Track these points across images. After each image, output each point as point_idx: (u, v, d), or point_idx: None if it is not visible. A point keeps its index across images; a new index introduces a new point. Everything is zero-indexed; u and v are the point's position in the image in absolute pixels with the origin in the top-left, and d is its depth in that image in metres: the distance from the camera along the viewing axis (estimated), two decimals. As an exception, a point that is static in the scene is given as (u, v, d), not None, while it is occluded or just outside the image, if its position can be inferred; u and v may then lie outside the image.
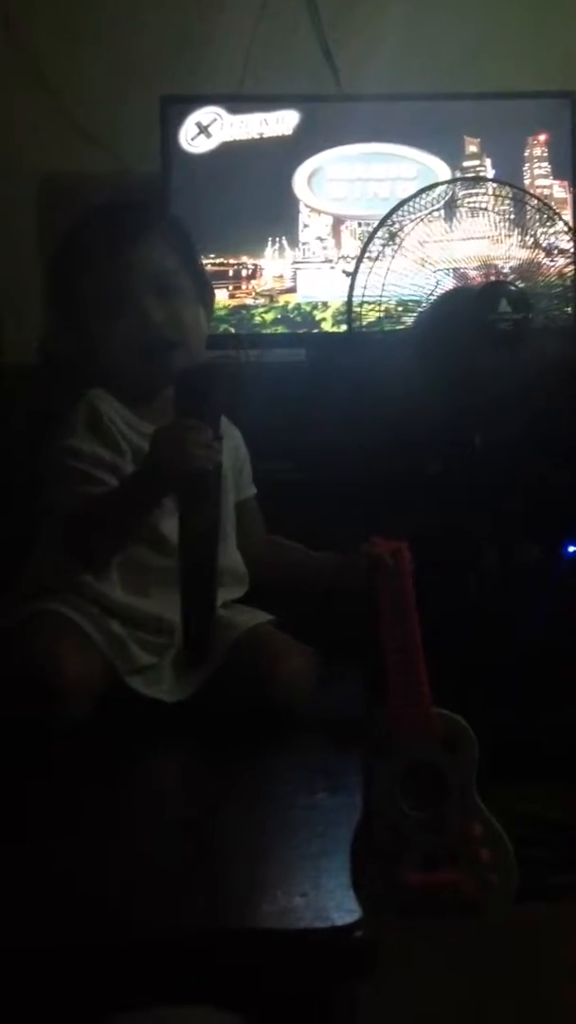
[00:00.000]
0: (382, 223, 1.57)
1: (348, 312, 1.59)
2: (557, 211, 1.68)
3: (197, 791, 1.03)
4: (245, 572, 1.32)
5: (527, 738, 1.61)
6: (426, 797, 1.19)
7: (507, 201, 1.63)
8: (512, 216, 1.62)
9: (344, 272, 1.83)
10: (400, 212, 1.60)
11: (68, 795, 0.99)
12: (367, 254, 1.59)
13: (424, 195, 1.59)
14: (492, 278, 1.62)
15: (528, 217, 1.63)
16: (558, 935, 1.29)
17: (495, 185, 1.68)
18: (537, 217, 1.63)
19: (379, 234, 1.59)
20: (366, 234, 1.62)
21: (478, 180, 1.77)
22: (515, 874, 1.21)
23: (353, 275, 1.59)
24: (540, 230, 1.61)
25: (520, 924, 1.29)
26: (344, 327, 1.61)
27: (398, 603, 1.21)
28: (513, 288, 1.49)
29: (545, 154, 1.92)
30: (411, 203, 1.59)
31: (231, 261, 1.91)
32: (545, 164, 1.92)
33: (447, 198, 1.62)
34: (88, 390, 1.24)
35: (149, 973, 0.73)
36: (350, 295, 1.58)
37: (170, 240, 1.30)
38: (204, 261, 1.89)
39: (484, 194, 1.66)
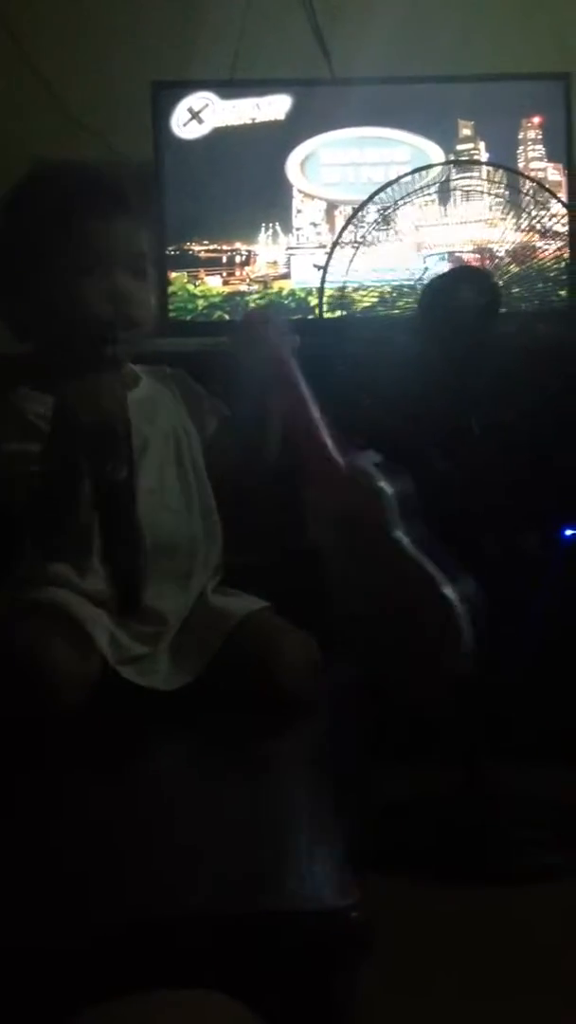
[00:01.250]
0: (364, 204, 1.55)
1: (320, 297, 1.58)
2: (552, 192, 1.67)
3: (194, 778, 1.03)
4: (223, 561, 1.31)
5: (525, 718, 1.62)
6: None
7: (501, 185, 1.62)
8: (507, 199, 1.61)
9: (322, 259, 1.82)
10: (394, 195, 1.59)
11: (65, 783, 0.99)
12: (361, 238, 1.58)
13: (417, 178, 1.58)
14: (487, 262, 1.61)
15: (523, 200, 1.62)
16: (559, 915, 1.29)
17: (489, 169, 1.67)
18: (532, 200, 1.62)
19: (373, 218, 1.58)
20: (362, 219, 1.61)
21: (471, 163, 1.76)
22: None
23: (328, 260, 1.57)
24: (535, 213, 1.60)
25: (518, 904, 1.29)
26: (339, 312, 1.60)
27: (277, 371, 1.27)
28: (478, 273, 1.48)
29: (540, 137, 1.91)
30: (404, 186, 1.58)
31: (224, 247, 1.90)
32: (540, 147, 1.91)
33: (441, 181, 1.61)
34: (12, 391, 1.23)
35: (147, 956, 0.73)
36: (323, 280, 1.58)
37: (146, 227, 1.28)
38: (198, 248, 1.90)
39: (478, 177, 1.66)
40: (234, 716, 1.12)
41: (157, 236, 1.32)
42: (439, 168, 1.71)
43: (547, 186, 1.68)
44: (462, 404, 1.53)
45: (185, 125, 1.89)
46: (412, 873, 1.35)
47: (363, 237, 1.57)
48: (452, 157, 1.88)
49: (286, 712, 1.13)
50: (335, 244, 1.57)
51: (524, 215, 1.62)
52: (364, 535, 1.26)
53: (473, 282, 1.46)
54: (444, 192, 1.71)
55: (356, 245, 1.54)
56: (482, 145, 1.91)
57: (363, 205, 1.56)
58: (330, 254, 1.57)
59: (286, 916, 0.73)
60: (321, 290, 1.59)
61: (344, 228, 1.58)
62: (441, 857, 1.39)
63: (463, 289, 1.45)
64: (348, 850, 0.82)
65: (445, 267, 1.61)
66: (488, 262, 1.65)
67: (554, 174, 1.92)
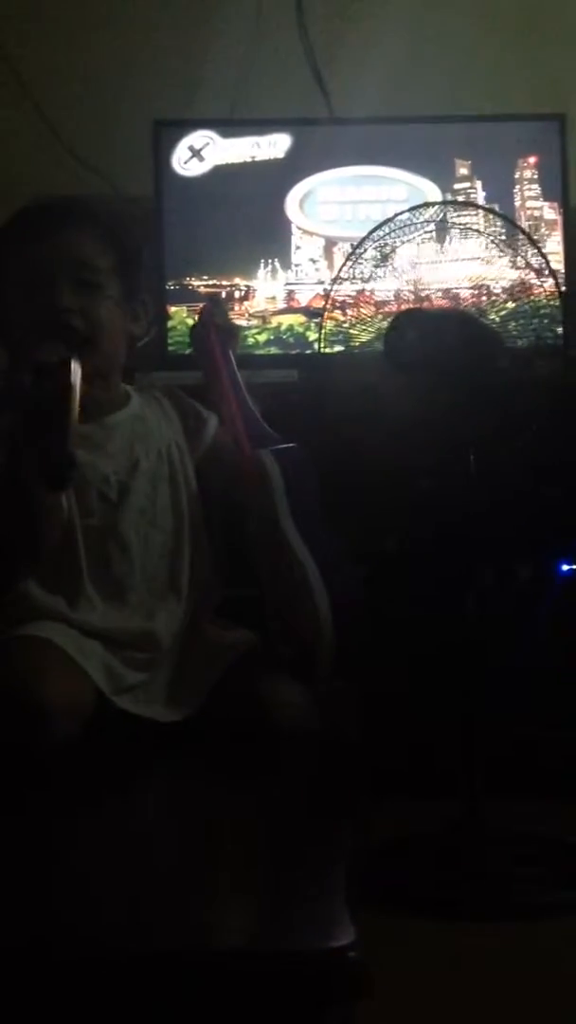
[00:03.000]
0: (362, 242, 1.58)
1: (320, 330, 1.60)
2: (546, 233, 1.69)
3: (190, 812, 1.03)
4: (216, 583, 1.32)
5: (525, 754, 1.62)
6: None
7: (497, 222, 1.65)
8: (503, 238, 1.63)
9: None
10: (392, 233, 1.61)
11: (60, 816, 0.99)
12: (359, 276, 1.60)
13: (414, 216, 1.60)
14: (483, 299, 1.63)
15: (519, 238, 1.64)
16: (553, 952, 1.28)
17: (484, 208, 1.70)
18: (527, 239, 1.64)
19: (371, 255, 1.60)
20: (360, 256, 1.63)
21: (466, 205, 1.78)
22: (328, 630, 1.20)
23: (328, 293, 1.59)
24: (530, 251, 1.62)
25: (516, 942, 1.28)
26: (338, 348, 1.62)
27: (207, 363, 1.35)
28: (418, 316, 1.50)
29: (535, 176, 1.94)
30: (401, 224, 1.60)
31: (224, 283, 1.92)
32: (535, 186, 1.94)
33: (438, 219, 1.63)
34: None
35: (140, 993, 0.73)
36: (323, 313, 1.59)
37: (105, 240, 1.28)
38: (197, 283, 1.92)
39: (474, 215, 1.68)
40: (229, 750, 1.12)
41: (118, 245, 1.31)
42: (436, 206, 1.73)
43: (542, 225, 1.71)
44: (458, 438, 1.54)
45: (186, 163, 1.91)
46: (409, 910, 1.35)
47: (361, 274, 1.59)
48: (449, 195, 1.91)
49: (281, 747, 1.13)
50: (335, 280, 1.59)
51: (519, 254, 1.64)
52: (254, 523, 1.28)
53: (418, 324, 1.48)
54: (441, 230, 1.73)
55: (365, 280, 1.56)
56: (479, 184, 1.93)
57: (361, 242, 1.58)
58: (330, 290, 1.59)
59: (281, 955, 0.73)
60: (321, 326, 1.60)
61: (344, 265, 1.60)
62: (438, 894, 1.38)
63: (409, 331, 1.47)
64: (345, 887, 0.82)
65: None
66: (484, 299, 1.67)
67: (550, 213, 1.94)
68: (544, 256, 1.57)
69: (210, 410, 1.36)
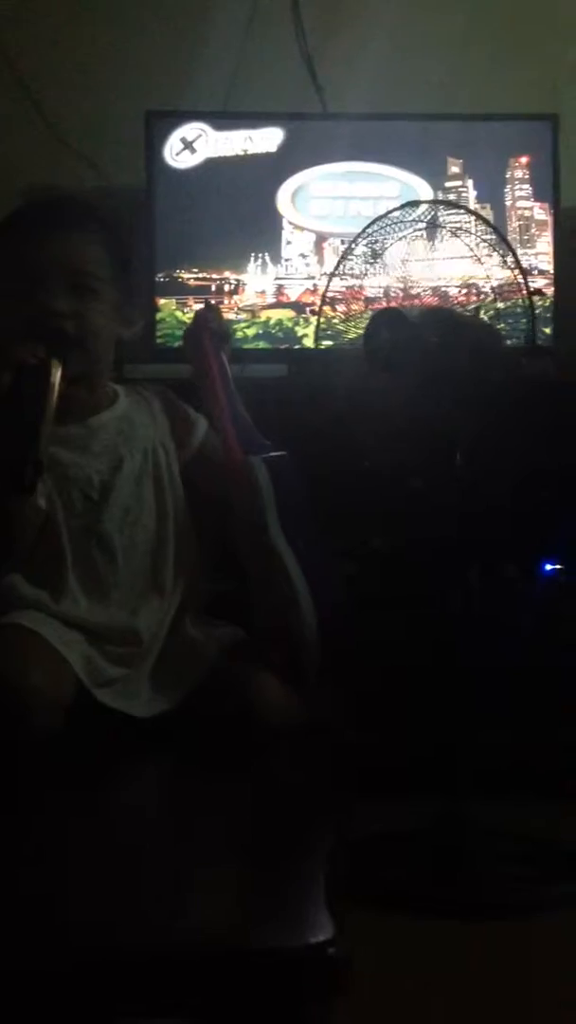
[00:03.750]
0: (356, 239, 1.58)
1: (317, 327, 1.60)
2: (536, 233, 1.70)
3: (170, 808, 1.03)
4: (202, 581, 1.31)
5: (514, 756, 1.62)
6: None
7: (486, 226, 1.65)
8: (492, 237, 1.64)
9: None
10: (382, 231, 1.61)
11: (39, 812, 0.99)
12: (349, 272, 1.60)
13: (404, 214, 1.60)
14: (473, 298, 1.63)
15: (509, 238, 1.64)
16: (539, 953, 1.29)
17: (476, 207, 1.70)
18: (517, 238, 1.64)
19: (362, 252, 1.60)
20: (351, 252, 1.63)
21: (457, 205, 1.78)
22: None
23: (324, 290, 1.59)
24: (520, 251, 1.62)
25: (505, 943, 1.29)
26: (327, 343, 1.62)
27: (200, 367, 1.35)
28: (392, 313, 1.50)
29: (527, 176, 1.94)
30: (393, 221, 1.60)
31: (213, 276, 1.92)
32: (526, 186, 1.94)
33: (429, 217, 1.63)
34: None
35: (120, 991, 0.73)
36: (320, 309, 1.59)
37: (104, 245, 1.28)
38: (187, 275, 1.92)
39: (464, 213, 1.68)
40: (211, 746, 1.12)
41: (116, 250, 1.31)
42: (425, 205, 1.73)
43: (533, 225, 1.71)
44: (444, 436, 1.54)
45: (178, 155, 1.91)
46: (390, 908, 1.35)
47: (352, 270, 1.59)
48: (440, 193, 1.91)
49: (263, 743, 1.13)
50: (332, 276, 1.59)
51: (509, 254, 1.64)
52: (242, 529, 1.28)
53: (391, 323, 1.48)
54: (432, 228, 1.73)
55: (356, 276, 1.56)
56: (470, 183, 1.94)
57: (355, 239, 1.58)
58: (327, 286, 1.59)
59: (262, 951, 0.73)
60: (319, 322, 1.60)
61: (340, 262, 1.60)
62: (420, 892, 1.39)
63: (382, 330, 1.47)
64: (325, 884, 0.82)
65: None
66: (474, 297, 1.67)
67: (540, 213, 1.95)
68: (518, 260, 1.57)
69: (200, 412, 1.36)
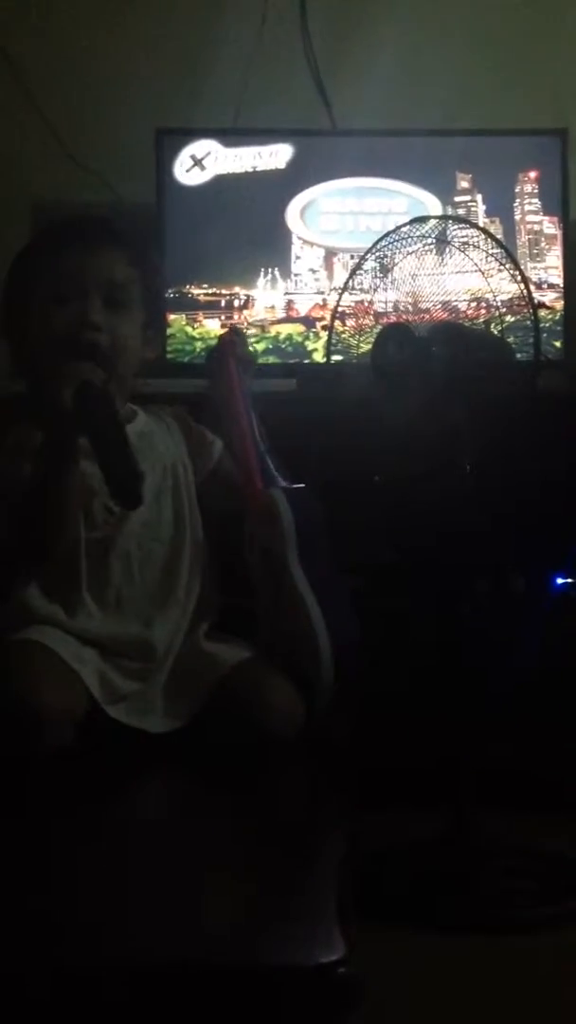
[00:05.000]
0: (366, 254, 1.58)
1: (328, 343, 1.60)
2: (546, 247, 1.70)
3: (179, 824, 1.03)
4: (215, 598, 1.32)
5: (517, 767, 1.61)
6: None
7: (493, 242, 1.65)
8: (499, 251, 1.64)
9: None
10: (391, 246, 1.61)
11: (49, 825, 0.99)
12: (359, 287, 1.61)
13: (413, 229, 1.61)
14: (483, 312, 1.63)
15: (518, 253, 1.65)
16: (544, 967, 1.28)
17: (485, 221, 1.70)
18: (527, 252, 1.65)
19: (371, 267, 1.61)
20: (361, 267, 1.63)
21: (466, 221, 1.79)
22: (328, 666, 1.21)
23: (336, 305, 1.60)
24: (529, 265, 1.62)
25: (507, 956, 1.28)
26: (337, 358, 1.62)
27: (225, 398, 1.34)
28: (399, 329, 1.50)
29: (536, 190, 1.95)
30: (402, 237, 1.61)
31: (223, 291, 1.92)
32: (536, 200, 1.95)
33: (437, 232, 1.63)
34: (7, 428, 1.25)
35: (128, 1007, 0.72)
36: (331, 324, 1.60)
37: (137, 267, 1.30)
38: (197, 291, 1.92)
39: (474, 227, 1.68)
40: (221, 762, 1.12)
41: (149, 273, 1.33)
42: (434, 220, 1.73)
43: (542, 239, 1.72)
44: (453, 450, 1.54)
45: (188, 171, 1.92)
46: (399, 923, 1.34)
47: (362, 285, 1.60)
48: (450, 208, 1.92)
49: (273, 760, 1.13)
50: (343, 291, 1.59)
51: (518, 269, 1.64)
52: (260, 558, 1.29)
53: (398, 338, 1.48)
54: (441, 243, 1.74)
55: (365, 291, 1.57)
56: (479, 197, 1.94)
57: (366, 254, 1.59)
58: (338, 301, 1.59)
59: (272, 970, 0.73)
60: (330, 337, 1.60)
61: (351, 276, 1.60)
62: (427, 907, 1.38)
63: (390, 345, 1.47)
64: (336, 900, 0.82)
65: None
66: (484, 311, 1.67)
67: (549, 227, 1.95)
68: (525, 277, 1.57)
69: (216, 435, 1.36)
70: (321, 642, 1.21)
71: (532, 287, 1.68)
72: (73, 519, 1.21)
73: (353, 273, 1.59)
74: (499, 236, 1.67)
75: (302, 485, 1.32)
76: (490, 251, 1.55)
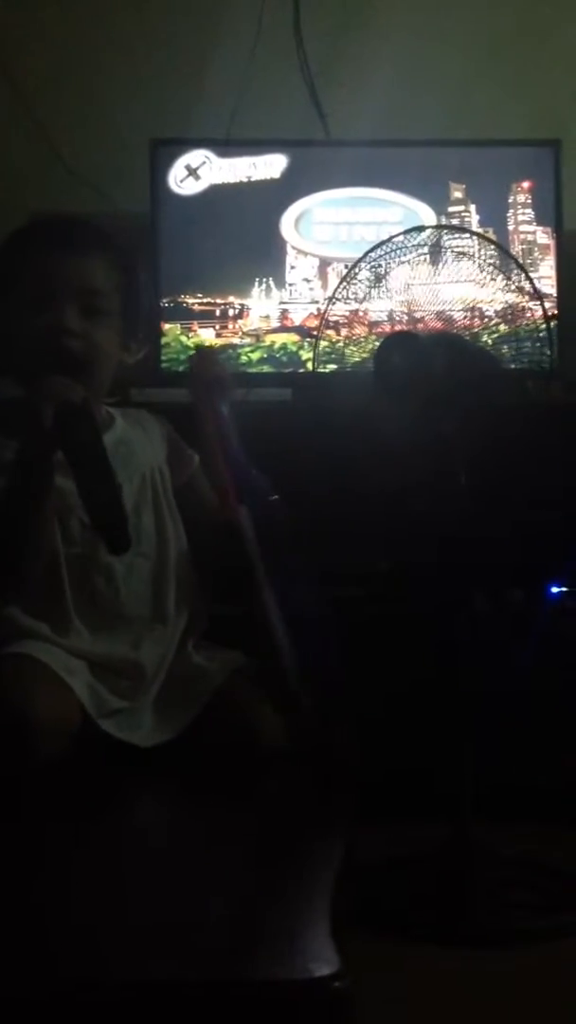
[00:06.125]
0: (356, 264, 1.58)
1: (315, 350, 1.61)
2: (540, 257, 1.70)
3: (174, 837, 1.02)
4: (203, 607, 1.31)
5: (515, 779, 1.61)
6: None
7: (490, 248, 1.65)
8: (496, 261, 1.64)
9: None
10: (385, 255, 1.62)
11: (43, 838, 0.98)
12: (352, 296, 1.61)
13: (408, 239, 1.61)
14: (476, 321, 1.64)
15: (512, 262, 1.65)
16: (543, 980, 1.28)
17: (479, 232, 1.70)
18: (521, 261, 1.65)
19: (365, 276, 1.61)
20: (354, 276, 1.64)
21: (460, 229, 1.79)
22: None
23: (323, 313, 1.60)
24: (523, 275, 1.63)
25: (505, 969, 1.27)
26: (331, 367, 1.62)
27: (203, 418, 1.35)
28: (405, 338, 1.50)
29: (529, 201, 1.95)
30: (396, 246, 1.61)
31: (218, 301, 1.93)
32: (529, 211, 1.95)
33: (432, 242, 1.64)
34: None
35: (122, 1022, 0.72)
36: (318, 335, 1.60)
37: (117, 272, 1.29)
38: (192, 300, 1.92)
39: (468, 238, 1.69)
40: (214, 773, 1.11)
41: (132, 281, 1.32)
42: (429, 230, 1.74)
43: (535, 249, 1.72)
44: (448, 461, 1.54)
45: (182, 181, 1.92)
46: (396, 935, 1.34)
47: (355, 294, 1.60)
48: (443, 218, 1.92)
49: (266, 769, 1.12)
50: (331, 300, 1.60)
51: (512, 277, 1.65)
52: (228, 575, 1.29)
53: (404, 346, 1.48)
54: (435, 252, 1.74)
55: (359, 300, 1.57)
56: (473, 208, 1.95)
57: (355, 264, 1.59)
58: (326, 310, 1.59)
59: (267, 983, 0.72)
60: (316, 345, 1.61)
61: (339, 285, 1.60)
62: (424, 920, 1.38)
63: (395, 353, 1.47)
64: (331, 913, 0.82)
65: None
66: (477, 321, 1.68)
67: (543, 238, 1.96)
68: (532, 281, 1.58)
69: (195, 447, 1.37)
70: (285, 661, 1.21)
71: (527, 297, 1.68)
72: (50, 536, 1.19)
73: (342, 282, 1.59)
74: (492, 248, 1.67)
75: (275, 497, 1.32)
76: (488, 260, 1.55)
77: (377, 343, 1.57)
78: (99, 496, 1.13)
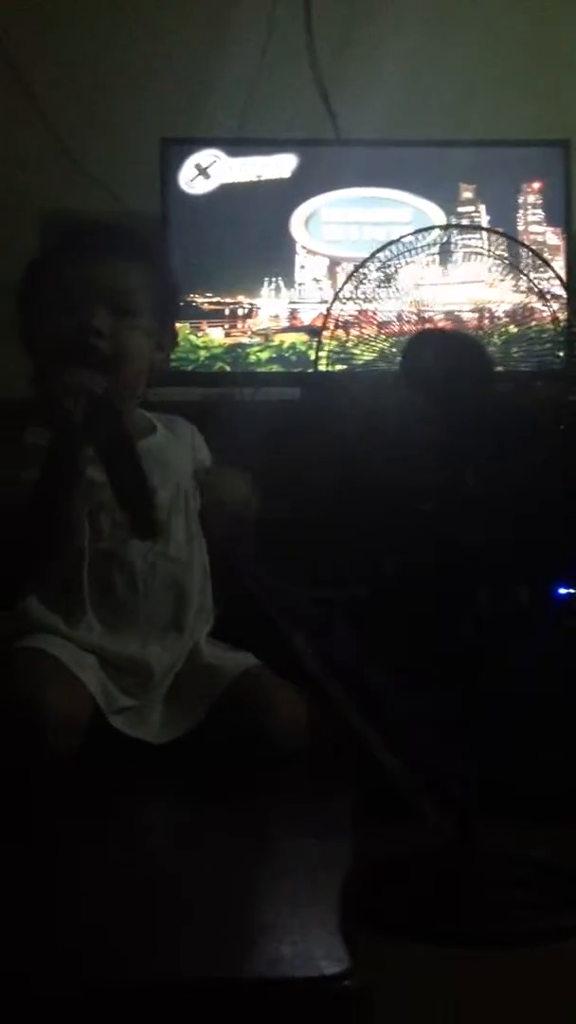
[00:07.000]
0: (363, 264, 1.58)
1: (317, 349, 1.61)
2: (549, 258, 1.70)
3: (183, 835, 1.03)
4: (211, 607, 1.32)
5: (517, 778, 1.61)
6: None
7: (501, 247, 1.65)
8: (506, 261, 1.64)
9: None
10: (394, 255, 1.62)
11: (52, 835, 0.98)
12: (361, 296, 1.61)
13: (417, 238, 1.61)
14: (486, 322, 1.63)
15: (522, 263, 1.65)
16: (549, 980, 1.28)
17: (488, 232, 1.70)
18: (530, 263, 1.65)
19: (375, 276, 1.61)
20: (364, 276, 1.64)
21: (470, 228, 1.79)
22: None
23: (327, 311, 1.60)
24: (533, 276, 1.63)
25: (511, 969, 1.27)
26: (339, 366, 1.62)
27: None
28: (439, 336, 1.51)
29: (539, 201, 1.95)
30: (405, 245, 1.61)
31: (227, 300, 1.93)
32: (539, 211, 1.95)
33: (442, 242, 1.64)
34: (20, 431, 1.26)
35: (131, 1021, 0.72)
36: (320, 334, 1.60)
37: (147, 274, 1.31)
38: (201, 300, 1.93)
39: (478, 238, 1.69)
40: (224, 771, 1.11)
41: (156, 282, 1.33)
42: (439, 229, 1.74)
43: (545, 250, 1.72)
44: (458, 460, 1.54)
45: (192, 181, 1.92)
46: (404, 935, 1.34)
47: (364, 294, 1.60)
48: (453, 219, 1.92)
49: (277, 769, 1.12)
50: (334, 299, 1.60)
51: (522, 277, 1.65)
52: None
53: (438, 346, 1.48)
54: (445, 252, 1.74)
55: (368, 300, 1.57)
56: (482, 208, 1.94)
57: (362, 264, 1.59)
58: (329, 308, 1.59)
59: (276, 983, 0.72)
60: (319, 344, 1.61)
61: (344, 284, 1.60)
62: (431, 919, 1.38)
63: (427, 352, 1.47)
64: (340, 912, 0.82)
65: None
66: (487, 322, 1.67)
67: (553, 238, 1.95)
68: (559, 276, 1.57)
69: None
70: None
71: (536, 297, 1.68)
72: (78, 530, 1.21)
73: (347, 281, 1.59)
74: (502, 247, 1.68)
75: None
76: (501, 258, 1.55)
77: (386, 343, 1.57)
78: (126, 480, 1.15)
